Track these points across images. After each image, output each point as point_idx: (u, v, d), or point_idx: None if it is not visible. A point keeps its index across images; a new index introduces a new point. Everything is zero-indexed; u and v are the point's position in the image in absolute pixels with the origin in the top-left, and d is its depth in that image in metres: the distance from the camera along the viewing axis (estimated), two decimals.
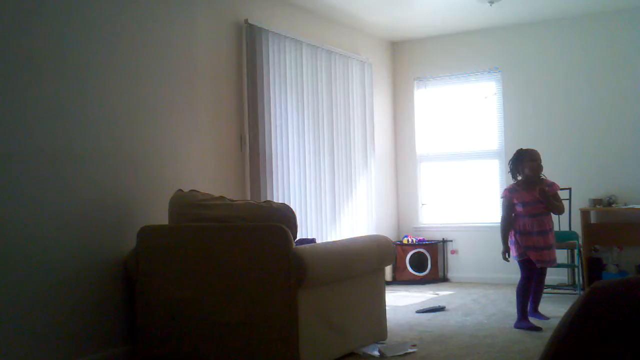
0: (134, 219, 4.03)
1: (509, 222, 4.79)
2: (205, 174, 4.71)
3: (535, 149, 4.86)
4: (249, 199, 4.99)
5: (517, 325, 4.63)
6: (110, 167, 3.94)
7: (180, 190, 4.06)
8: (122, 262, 3.94)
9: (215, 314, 3.57)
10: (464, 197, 7.29)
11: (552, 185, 4.77)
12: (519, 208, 4.73)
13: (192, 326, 3.65)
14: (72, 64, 3.75)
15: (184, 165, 4.52)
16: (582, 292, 2.32)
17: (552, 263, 4.82)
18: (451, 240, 7.20)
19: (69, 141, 3.70)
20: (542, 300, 5.59)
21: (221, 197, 3.94)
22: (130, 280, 3.94)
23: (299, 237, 4.21)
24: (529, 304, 4.79)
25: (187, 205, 3.88)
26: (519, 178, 4.81)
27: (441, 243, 7.19)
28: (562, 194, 6.00)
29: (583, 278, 5.89)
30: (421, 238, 7.19)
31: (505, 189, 4.87)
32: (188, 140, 4.58)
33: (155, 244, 3.83)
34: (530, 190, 4.70)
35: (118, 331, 3.92)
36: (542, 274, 4.97)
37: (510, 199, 4.76)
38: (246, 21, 5.16)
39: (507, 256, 4.84)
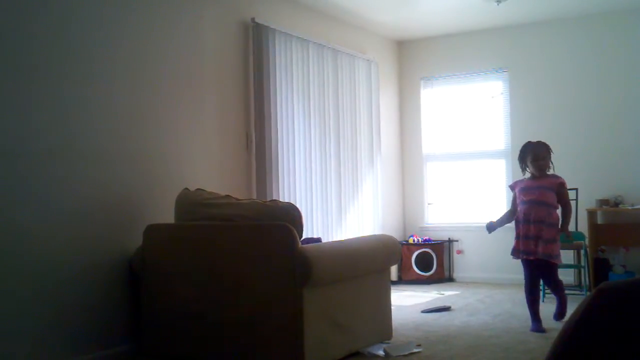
0: (140, 217, 4.04)
1: (512, 213, 4.81)
2: (211, 172, 4.72)
3: (543, 141, 4.80)
4: (255, 197, 5.00)
5: (531, 329, 4.55)
6: (116, 166, 3.95)
7: (187, 188, 4.07)
8: (128, 260, 3.95)
9: (221, 313, 3.58)
10: (470, 197, 7.27)
11: (559, 179, 4.70)
12: (519, 194, 4.71)
13: (197, 324, 3.66)
14: (77, 64, 3.75)
15: (190, 164, 4.53)
16: (588, 293, 2.31)
17: (542, 256, 4.55)
18: (457, 240, 7.19)
19: (74, 140, 3.71)
20: (548, 300, 5.58)
21: (227, 196, 3.95)
22: (136, 278, 3.95)
23: (304, 236, 4.22)
24: (538, 307, 4.66)
25: (193, 204, 3.88)
26: (527, 174, 4.80)
27: (447, 243, 7.18)
28: (570, 194, 5.99)
29: (589, 279, 5.87)
30: (427, 238, 7.18)
31: (513, 182, 4.93)
32: (194, 139, 4.59)
33: (161, 242, 3.84)
34: (536, 180, 4.69)
35: (123, 329, 3.93)
36: (545, 275, 4.73)
37: (515, 190, 4.80)
38: (253, 20, 5.16)
39: (489, 227, 4.97)
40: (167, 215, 4.08)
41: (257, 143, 5.12)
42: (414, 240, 7.10)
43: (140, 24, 4.20)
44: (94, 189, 3.80)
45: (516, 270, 6.66)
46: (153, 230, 3.85)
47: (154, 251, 3.83)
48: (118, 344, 3.88)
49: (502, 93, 7.12)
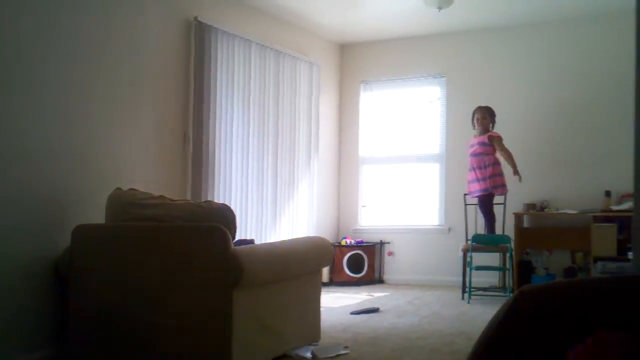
0: (69, 217, 3.95)
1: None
2: (145, 172, 4.65)
3: (489, 106, 6.28)
4: (190, 198, 4.96)
5: None
6: (43, 165, 3.84)
7: (119, 188, 4.00)
8: (55, 261, 3.84)
9: (150, 315, 3.54)
10: (403, 200, 7.40)
11: (493, 135, 6.12)
12: (469, 149, 6.15)
13: (126, 327, 3.60)
14: (1, 59, 3.63)
15: (123, 163, 4.46)
16: (510, 295, 2.40)
17: (477, 193, 6.09)
18: (388, 242, 7.31)
19: None
20: (474, 302, 5.82)
21: (161, 197, 3.90)
22: (63, 280, 3.85)
23: (238, 237, 4.21)
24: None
25: (125, 204, 3.82)
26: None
27: (378, 245, 7.28)
28: (499, 199, 6.21)
29: (513, 281, 6.07)
30: (360, 240, 7.27)
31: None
32: (129, 137, 4.52)
33: (91, 243, 3.76)
34: (477, 136, 6.17)
35: (48, 332, 3.82)
36: (482, 207, 6.13)
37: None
38: (195, 18, 5.13)
39: None
40: (98, 216, 3.99)
41: (194, 143, 5.08)
42: (346, 242, 7.17)
43: (80, 19, 4.10)
44: (19, 188, 3.68)
45: (444, 272, 6.87)
46: (82, 231, 3.77)
47: (83, 252, 3.75)
48: (43, 348, 3.78)
49: (439, 98, 7.28)
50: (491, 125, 6.22)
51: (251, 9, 5.96)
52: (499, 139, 6.10)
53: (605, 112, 6.40)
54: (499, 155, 6.14)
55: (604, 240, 5.97)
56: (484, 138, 6.11)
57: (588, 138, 6.53)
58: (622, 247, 5.86)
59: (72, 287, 3.78)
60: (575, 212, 6.27)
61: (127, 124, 4.50)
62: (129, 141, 4.51)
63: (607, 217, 6.08)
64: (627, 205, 5.82)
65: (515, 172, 6.00)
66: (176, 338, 3.46)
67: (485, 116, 6.19)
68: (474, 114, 6.27)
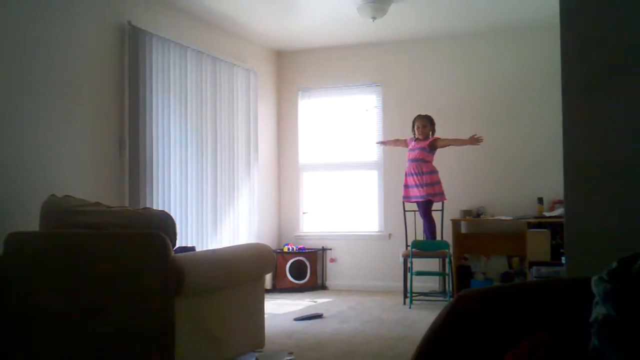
0: (1, 224, 3.81)
1: (396, 140, 6.64)
2: (81, 179, 4.53)
3: (429, 115, 6.32)
4: (128, 205, 4.86)
5: None
6: None
7: (53, 195, 3.88)
8: None
9: (89, 325, 3.44)
10: (344, 207, 7.46)
11: (434, 139, 6.24)
12: (409, 153, 6.27)
13: (64, 338, 3.49)
14: None
15: (58, 170, 4.33)
16: (450, 300, 2.45)
17: (417, 198, 6.16)
18: (330, 249, 7.34)
19: None
20: (415, 306, 5.88)
21: (97, 203, 3.80)
22: None
23: (178, 245, 4.15)
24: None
25: (60, 211, 3.71)
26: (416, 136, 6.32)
27: (321, 251, 7.31)
28: (437, 205, 6.31)
29: (453, 285, 6.19)
30: (302, 246, 7.28)
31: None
32: (63, 144, 4.40)
33: (25, 251, 3.63)
34: (419, 142, 6.25)
35: None
36: (422, 214, 6.20)
37: (409, 141, 6.39)
38: (129, 23, 5.04)
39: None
40: (31, 223, 3.87)
41: (130, 149, 4.98)
42: (288, 249, 7.17)
43: (10, 24, 3.96)
44: None
45: (385, 277, 6.95)
46: (16, 239, 3.63)
47: (17, 261, 3.62)
48: None
49: (375, 106, 7.37)
50: (431, 133, 6.28)
51: (186, 15, 5.90)
52: (439, 138, 6.22)
53: (536, 119, 6.60)
54: (436, 164, 6.24)
55: (538, 245, 6.16)
56: (425, 144, 6.19)
57: (521, 145, 6.73)
58: (556, 252, 6.06)
59: (6, 296, 3.65)
60: (509, 218, 6.45)
61: (60, 130, 4.37)
62: (62, 148, 4.38)
63: (540, 223, 6.28)
64: (559, 211, 6.02)
65: (471, 139, 6.03)
66: (117, 348, 3.38)
67: (426, 124, 6.27)
68: (414, 122, 6.33)
